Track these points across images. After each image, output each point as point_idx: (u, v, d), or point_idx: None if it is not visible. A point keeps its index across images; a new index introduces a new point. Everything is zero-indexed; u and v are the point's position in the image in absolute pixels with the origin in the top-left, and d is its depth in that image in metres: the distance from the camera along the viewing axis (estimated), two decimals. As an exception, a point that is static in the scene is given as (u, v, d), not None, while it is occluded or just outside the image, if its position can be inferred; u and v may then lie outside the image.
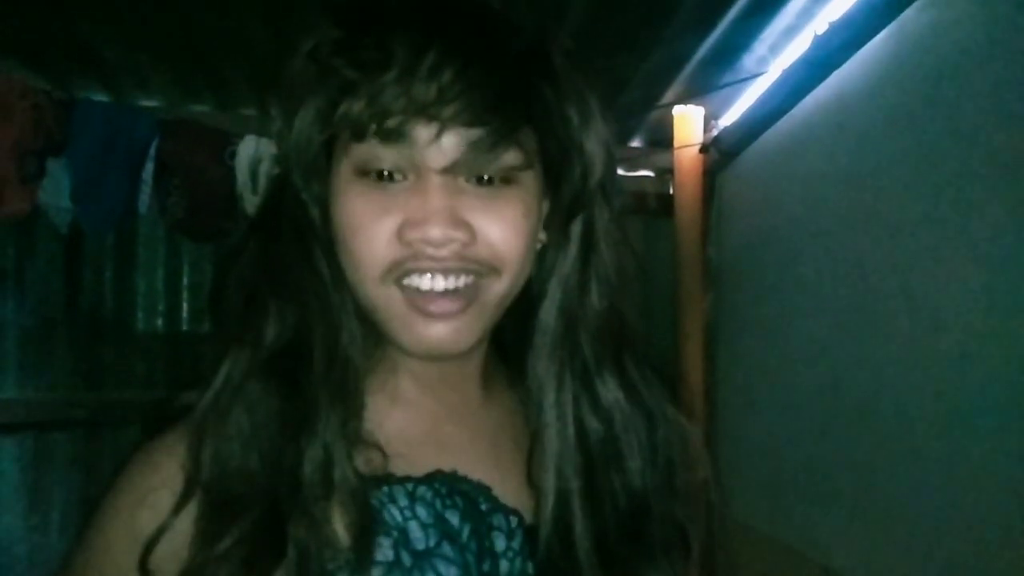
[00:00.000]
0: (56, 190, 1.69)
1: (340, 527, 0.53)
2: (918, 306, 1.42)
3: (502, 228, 0.56)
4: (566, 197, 0.60)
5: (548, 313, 0.62)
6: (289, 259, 0.58)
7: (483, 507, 0.59)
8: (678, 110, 2.15)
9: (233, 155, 1.81)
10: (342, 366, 0.57)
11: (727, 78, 1.96)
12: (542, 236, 0.63)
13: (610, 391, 0.62)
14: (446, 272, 0.55)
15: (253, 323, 0.56)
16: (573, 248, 0.62)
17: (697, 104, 2.13)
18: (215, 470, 0.53)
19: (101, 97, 2.06)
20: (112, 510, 0.56)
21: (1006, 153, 1.21)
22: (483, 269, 0.56)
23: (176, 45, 1.82)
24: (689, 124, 2.15)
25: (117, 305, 2.26)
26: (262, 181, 1.77)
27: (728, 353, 2.23)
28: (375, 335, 0.61)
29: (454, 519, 0.57)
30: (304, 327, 0.56)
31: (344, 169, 0.56)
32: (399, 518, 0.56)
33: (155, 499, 0.54)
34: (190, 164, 1.79)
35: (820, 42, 1.67)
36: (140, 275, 2.26)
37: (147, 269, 2.27)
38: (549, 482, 0.60)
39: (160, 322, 2.31)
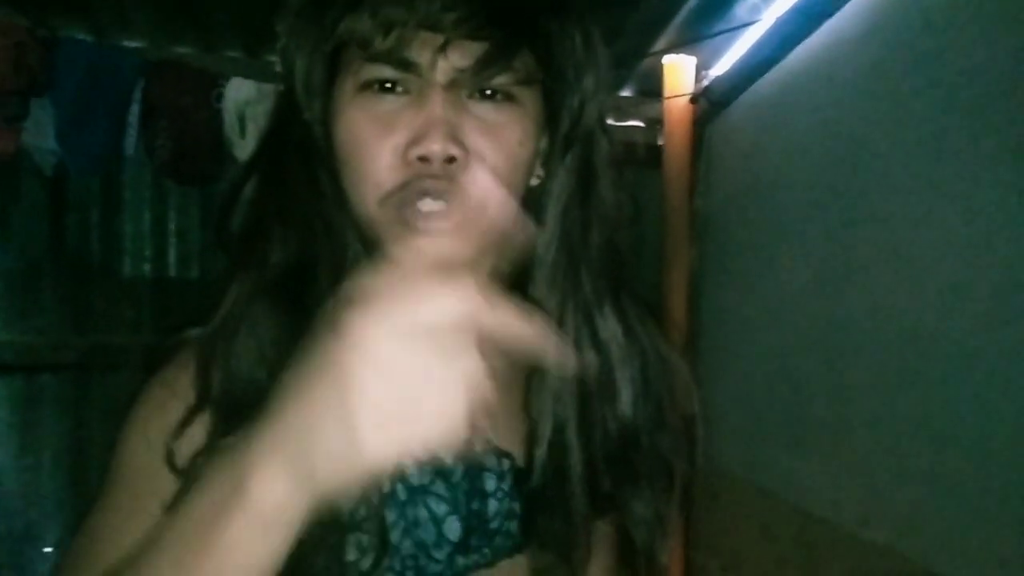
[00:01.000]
0: (40, 131, 1.67)
1: None
2: (899, 257, 1.44)
3: (497, 154, 0.56)
4: (564, 124, 0.60)
5: (548, 246, 0.62)
6: (293, 181, 0.59)
7: (477, 448, 0.61)
8: (669, 59, 2.12)
9: (220, 97, 1.79)
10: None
11: (719, 26, 1.94)
12: (540, 172, 0.63)
13: (608, 325, 0.63)
14: (441, 198, 0.55)
15: (258, 246, 0.57)
16: (572, 181, 0.62)
17: (688, 53, 2.11)
18: (225, 384, 0.54)
19: (83, 37, 2.02)
20: (132, 427, 0.57)
21: (988, 106, 1.23)
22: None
23: (159, -17, 1.79)
24: (679, 74, 2.13)
25: (103, 249, 2.25)
26: (250, 124, 1.76)
27: (713, 304, 2.27)
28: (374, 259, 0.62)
29: (448, 458, 0.58)
30: (309, 248, 0.57)
31: (348, 86, 0.56)
32: None
33: (170, 408, 0.55)
34: (176, 106, 1.77)
35: (813, -9, 1.66)
36: (126, 219, 2.25)
37: (133, 213, 2.25)
38: (547, 412, 0.62)
39: (147, 267, 2.30)
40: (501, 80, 0.55)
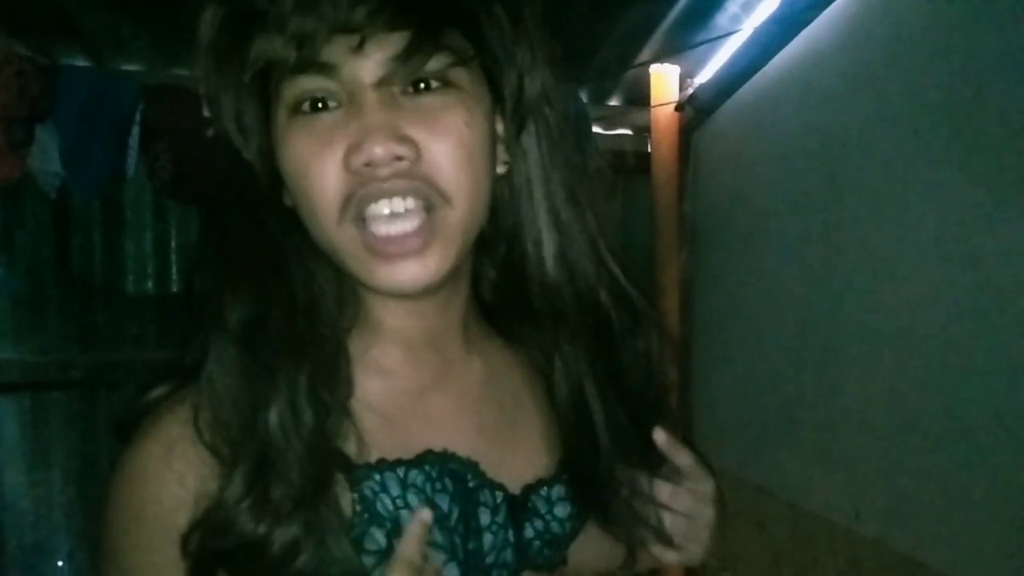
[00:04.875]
0: (44, 156, 1.71)
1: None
2: (876, 257, 1.49)
3: (445, 142, 0.53)
4: (509, 102, 0.58)
5: (534, 222, 0.62)
6: (239, 232, 0.57)
7: (471, 484, 0.60)
8: (654, 69, 2.17)
9: (217, 119, 1.83)
10: (305, 327, 0.55)
11: (701, 36, 1.99)
12: (505, 158, 0.61)
13: (605, 296, 0.64)
14: (398, 194, 0.53)
15: (217, 303, 0.55)
16: (534, 157, 0.61)
17: (673, 63, 2.16)
18: (211, 432, 0.53)
19: (82, 62, 2.06)
20: (129, 511, 0.54)
21: (957, 111, 1.27)
22: (433, 195, 0.53)
23: (155, 8, 1.83)
24: (665, 83, 2.18)
25: (107, 268, 2.28)
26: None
27: (703, 306, 2.31)
28: (350, 291, 0.60)
29: (443, 503, 0.58)
30: (265, 300, 0.55)
31: (280, 114, 0.54)
32: (391, 507, 0.56)
33: (169, 483, 0.53)
34: (175, 129, 1.81)
35: (789, 0, 1.71)
36: (128, 238, 2.28)
37: (135, 232, 2.29)
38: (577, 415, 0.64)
39: (150, 284, 2.34)
40: (431, 67, 0.52)
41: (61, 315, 2.24)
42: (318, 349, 0.55)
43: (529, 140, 0.60)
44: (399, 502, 0.56)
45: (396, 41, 0.50)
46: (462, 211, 0.55)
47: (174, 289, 2.34)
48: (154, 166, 1.84)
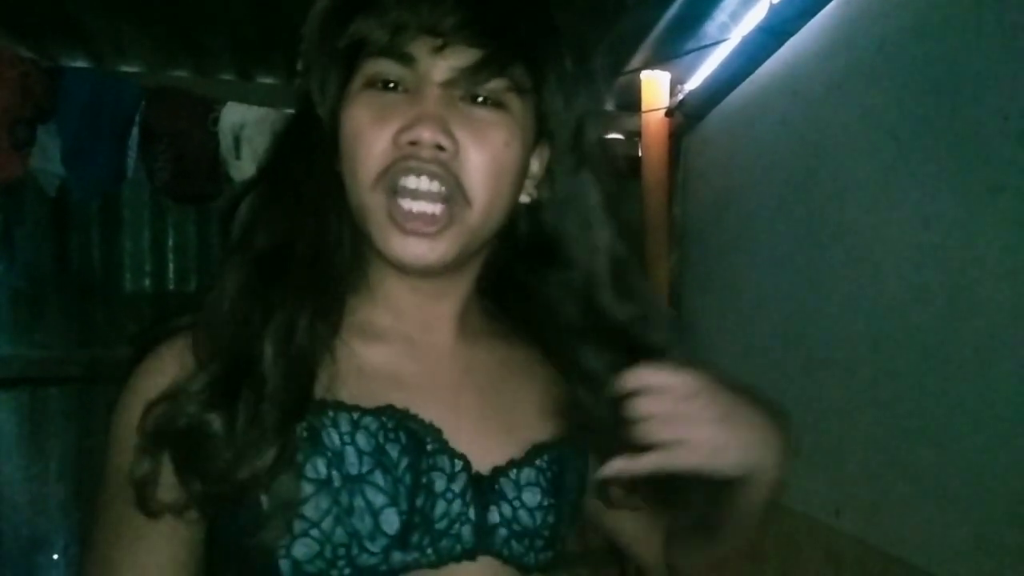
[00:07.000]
0: (46, 156, 1.74)
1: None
2: (859, 261, 1.51)
3: (482, 151, 0.59)
4: (565, 142, 0.65)
5: (593, 258, 0.68)
6: (291, 171, 0.63)
7: (429, 447, 0.61)
8: (645, 75, 2.21)
9: (216, 121, 1.86)
10: (323, 264, 0.61)
11: (691, 44, 2.03)
12: (532, 192, 0.66)
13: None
14: (431, 175, 0.58)
15: (250, 230, 0.61)
16: (593, 194, 0.67)
17: (663, 69, 2.20)
18: (204, 333, 0.58)
19: (83, 64, 2.10)
20: (123, 424, 0.58)
21: (940, 119, 1.30)
22: (457, 193, 0.59)
23: (155, 12, 1.86)
24: (655, 89, 2.22)
25: (105, 266, 2.32)
26: (245, 145, 1.83)
27: (691, 308, 2.33)
28: (364, 253, 0.65)
29: (393, 452, 0.59)
30: (294, 232, 0.61)
31: (356, 84, 0.61)
32: (337, 442, 0.58)
33: (163, 367, 0.59)
34: (175, 130, 1.85)
35: (775, 10, 1.74)
36: (126, 237, 2.32)
37: (133, 231, 2.32)
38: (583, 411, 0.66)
39: (147, 282, 2.37)
40: (492, 86, 0.60)
41: (60, 312, 2.27)
42: (326, 287, 0.61)
43: (587, 178, 0.66)
44: (346, 438, 0.58)
45: (470, 55, 0.58)
46: (478, 216, 0.61)
47: (170, 287, 2.37)
48: (153, 167, 1.87)
